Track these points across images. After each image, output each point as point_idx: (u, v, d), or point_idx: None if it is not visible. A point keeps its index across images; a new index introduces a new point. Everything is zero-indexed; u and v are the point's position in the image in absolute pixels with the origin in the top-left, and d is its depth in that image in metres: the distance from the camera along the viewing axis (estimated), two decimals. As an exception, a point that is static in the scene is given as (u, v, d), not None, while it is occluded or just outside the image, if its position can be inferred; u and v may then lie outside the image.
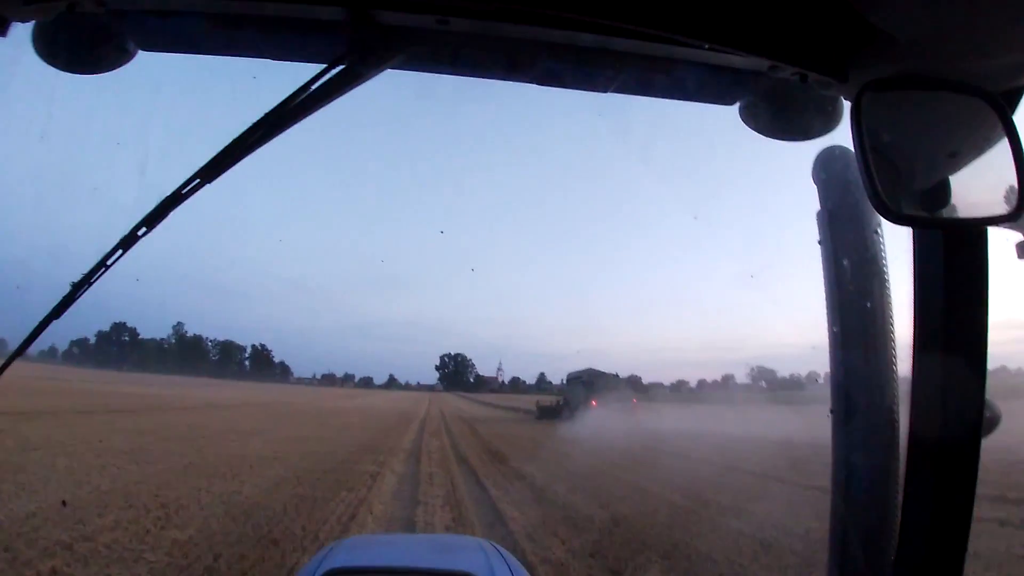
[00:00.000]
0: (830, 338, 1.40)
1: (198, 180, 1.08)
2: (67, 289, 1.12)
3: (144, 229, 1.10)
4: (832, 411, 1.41)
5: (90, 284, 1.12)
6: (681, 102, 1.21)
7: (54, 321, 1.14)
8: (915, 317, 1.22)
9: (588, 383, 38.39)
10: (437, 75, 1.15)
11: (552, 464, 15.52)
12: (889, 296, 1.37)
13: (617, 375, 43.77)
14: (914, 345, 1.22)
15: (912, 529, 1.27)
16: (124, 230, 1.10)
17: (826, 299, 1.40)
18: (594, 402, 35.07)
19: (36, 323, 1.13)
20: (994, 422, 1.34)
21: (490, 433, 25.81)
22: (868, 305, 1.36)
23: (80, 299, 1.15)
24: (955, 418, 1.21)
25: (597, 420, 29.85)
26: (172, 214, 1.11)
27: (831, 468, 1.42)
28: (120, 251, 1.11)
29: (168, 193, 1.09)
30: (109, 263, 1.11)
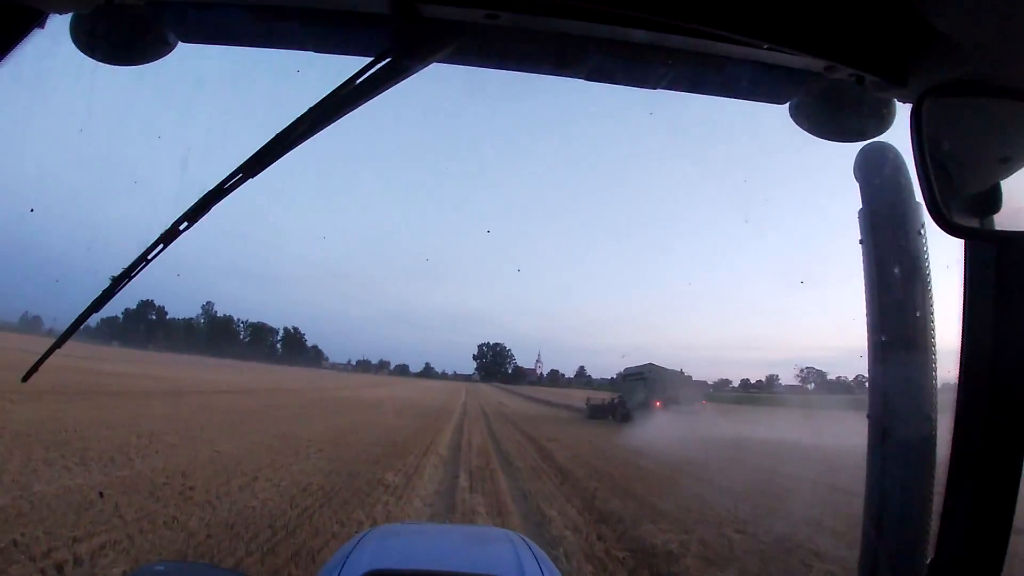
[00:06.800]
0: (870, 340, 1.38)
1: (240, 175, 1.07)
2: (107, 283, 1.12)
3: (186, 224, 1.10)
4: (869, 416, 1.39)
5: (130, 278, 1.12)
6: (731, 100, 1.18)
7: (93, 314, 1.14)
8: (963, 328, 1.19)
9: (650, 381, 32.52)
10: (484, 69, 1.13)
11: None
12: (931, 301, 1.34)
13: (682, 371, 36.04)
14: (961, 357, 1.20)
15: (949, 541, 1.25)
16: (165, 224, 1.09)
17: (866, 300, 1.38)
18: (658, 403, 30.12)
19: (76, 316, 1.13)
20: None
21: (579, 460, 15.17)
22: (911, 309, 1.33)
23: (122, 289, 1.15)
24: (999, 436, 1.18)
25: (695, 428, 23.09)
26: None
27: (866, 475, 1.41)
28: (161, 245, 1.11)
29: (210, 188, 1.07)
30: (150, 257, 1.11)
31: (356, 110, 1.10)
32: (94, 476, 9.05)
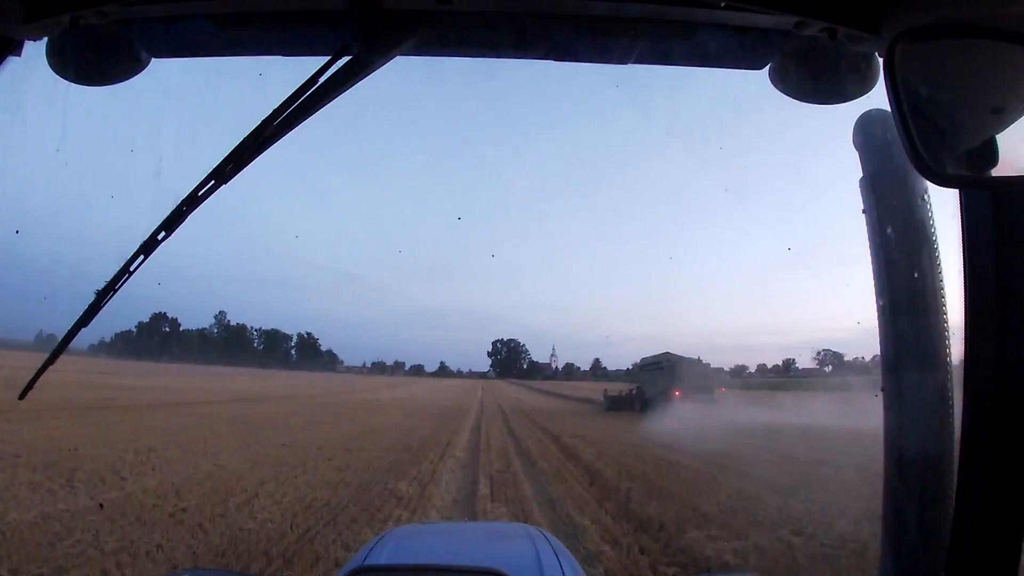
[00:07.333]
0: (878, 312, 1.33)
1: (212, 182, 1.08)
2: (92, 297, 1.13)
3: (163, 233, 1.11)
4: (883, 390, 1.34)
5: (115, 291, 1.13)
6: (708, 69, 1.14)
7: (83, 328, 1.15)
8: (965, 286, 1.13)
9: (668, 369, 31.13)
10: (448, 58, 1.11)
11: None
12: (940, 266, 1.29)
13: (699, 359, 33.91)
14: (966, 316, 1.14)
15: (968, 512, 1.20)
16: (144, 236, 1.11)
17: (873, 271, 1.33)
18: (677, 392, 28.92)
19: (66, 331, 1.15)
20: None
21: (606, 457, 13.72)
22: (916, 275, 1.28)
23: (109, 302, 1.16)
24: (1012, 394, 1.12)
25: (719, 416, 21.87)
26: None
27: (883, 450, 1.35)
28: (142, 256, 1.12)
29: (183, 197, 1.08)
30: (132, 269, 1.12)
31: (332, 111, 1.11)
32: (79, 500, 8.33)
